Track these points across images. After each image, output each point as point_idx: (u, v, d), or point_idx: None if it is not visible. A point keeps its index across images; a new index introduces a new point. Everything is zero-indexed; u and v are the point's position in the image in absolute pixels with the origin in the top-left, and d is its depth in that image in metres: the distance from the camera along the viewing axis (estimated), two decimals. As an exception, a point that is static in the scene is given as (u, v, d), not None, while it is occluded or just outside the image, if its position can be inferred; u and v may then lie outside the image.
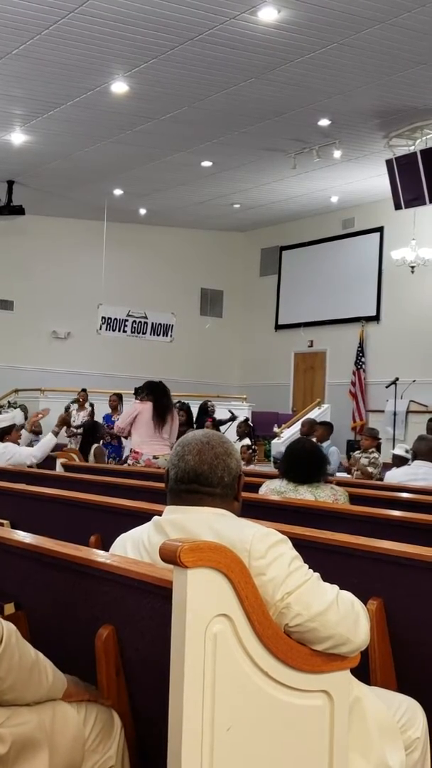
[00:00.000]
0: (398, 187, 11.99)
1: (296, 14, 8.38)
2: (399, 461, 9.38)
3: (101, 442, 12.21)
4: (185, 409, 11.98)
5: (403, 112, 11.10)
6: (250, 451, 10.64)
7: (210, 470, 2.14)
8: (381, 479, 9.07)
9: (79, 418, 12.50)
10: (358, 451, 9.87)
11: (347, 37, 8.86)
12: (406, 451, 9.50)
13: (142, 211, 16.61)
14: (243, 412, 14.92)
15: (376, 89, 10.30)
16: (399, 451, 9.56)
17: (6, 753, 1.76)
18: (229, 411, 12.96)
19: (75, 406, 12.90)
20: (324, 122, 11.45)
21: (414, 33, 8.75)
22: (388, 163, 12.04)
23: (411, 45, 9.04)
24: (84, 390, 13.14)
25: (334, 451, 10.32)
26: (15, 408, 13.61)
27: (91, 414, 12.67)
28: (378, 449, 10.07)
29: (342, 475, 9.15)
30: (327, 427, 11.09)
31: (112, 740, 2.00)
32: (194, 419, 11.88)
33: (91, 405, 13.04)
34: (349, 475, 9.24)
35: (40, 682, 1.88)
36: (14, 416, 7.16)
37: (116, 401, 12.51)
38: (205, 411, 12.31)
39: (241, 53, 9.27)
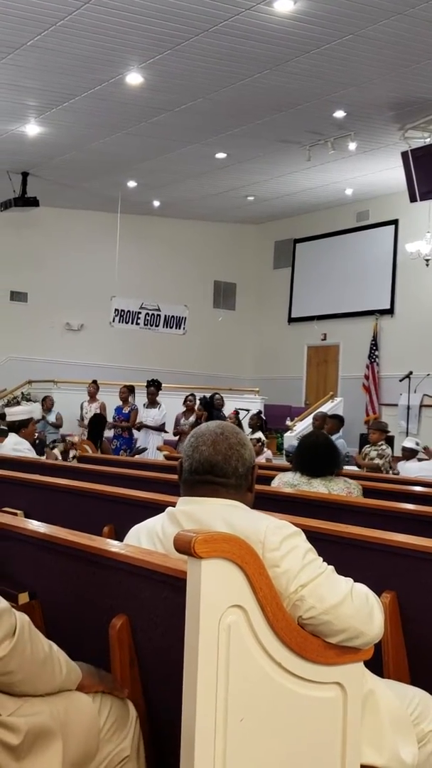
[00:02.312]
0: (413, 180, 11.93)
1: (312, 5, 8.34)
2: (409, 453, 9.39)
3: (113, 434, 12.25)
4: (204, 403, 12.01)
5: (419, 104, 11.04)
6: (260, 444, 10.65)
7: (224, 461, 2.14)
8: (394, 471, 9.07)
9: (90, 410, 12.53)
10: (367, 446, 9.86)
11: (363, 29, 8.81)
12: (417, 444, 9.51)
13: (156, 203, 16.60)
14: (256, 405, 14.92)
15: (391, 81, 10.24)
16: (409, 443, 9.55)
17: (20, 743, 1.77)
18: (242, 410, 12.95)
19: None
20: (339, 114, 11.40)
21: (431, 24, 8.69)
22: (404, 155, 11.98)
23: (427, 36, 8.98)
24: (95, 382, 13.17)
25: (341, 443, 10.29)
26: (29, 400, 13.69)
27: (103, 407, 12.70)
28: (388, 442, 10.04)
29: (352, 468, 9.12)
30: (337, 421, 11.08)
31: (127, 730, 2.00)
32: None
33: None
34: (359, 470, 9.23)
35: (52, 675, 1.87)
36: (32, 409, 7.08)
37: (126, 393, 12.52)
38: (211, 404, 12.28)
39: (256, 44, 9.24)
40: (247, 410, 12.86)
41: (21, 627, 1.81)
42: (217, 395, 12.71)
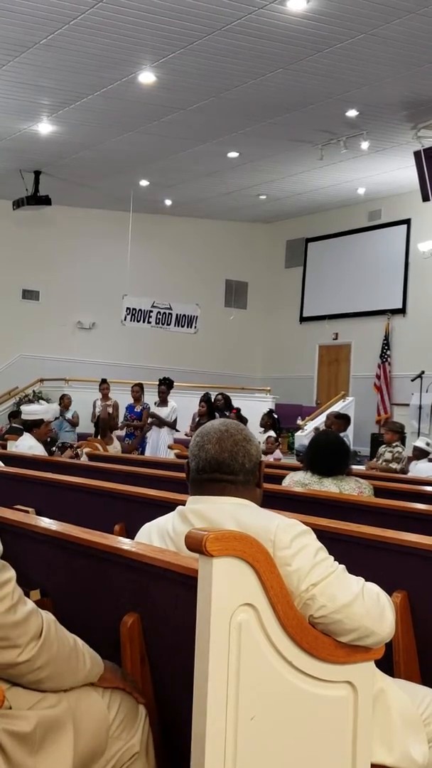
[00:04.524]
0: (426, 179, 11.91)
1: (325, 4, 8.32)
2: (420, 453, 9.36)
3: (124, 432, 12.27)
4: (206, 400, 12.00)
5: (432, 103, 11.01)
6: (278, 442, 10.64)
7: (231, 458, 2.14)
8: (405, 472, 9.04)
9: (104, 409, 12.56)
10: (382, 446, 9.83)
11: (376, 28, 8.79)
12: (428, 444, 9.47)
13: (168, 202, 16.61)
14: (267, 404, 14.90)
15: (404, 80, 10.21)
16: (420, 443, 9.52)
17: (32, 732, 1.78)
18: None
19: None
20: (352, 113, 11.38)
21: (444, 23, 8.66)
22: (416, 154, 11.95)
23: (441, 35, 8.95)
24: (104, 381, 13.19)
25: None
26: (42, 399, 13.74)
27: (116, 405, 12.72)
28: (403, 443, 10.00)
29: (359, 468, 9.09)
30: (344, 420, 11.04)
31: (136, 728, 2.01)
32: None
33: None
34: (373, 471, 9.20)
35: (77, 669, 1.90)
36: (47, 410, 7.03)
37: (138, 392, 12.53)
38: (212, 404, 12.27)
39: (269, 43, 9.23)
40: (238, 409, 12.80)
41: (47, 627, 1.83)
42: (218, 396, 12.70)
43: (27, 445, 6.53)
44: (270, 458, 10.10)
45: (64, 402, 13.71)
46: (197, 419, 12.25)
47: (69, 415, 13.70)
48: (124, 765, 1.98)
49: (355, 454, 10.37)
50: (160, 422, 12.09)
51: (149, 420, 12.16)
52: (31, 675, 1.82)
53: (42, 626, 1.82)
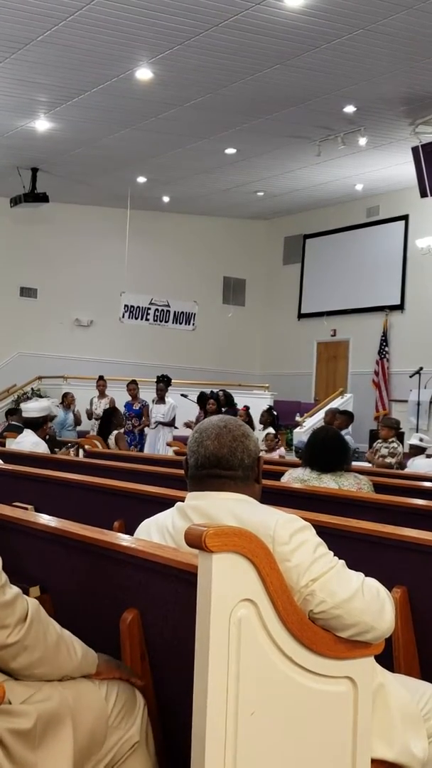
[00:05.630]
0: (424, 175, 11.90)
1: None
2: (415, 450, 9.36)
3: (123, 430, 12.25)
4: (215, 397, 12.02)
5: (430, 99, 10.99)
6: (277, 439, 10.64)
7: (230, 453, 2.14)
8: (403, 467, 9.05)
9: (100, 406, 12.54)
10: (378, 441, 9.83)
11: (374, 23, 8.78)
12: (421, 440, 9.48)
13: (166, 199, 16.59)
14: (265, 401, 14.92)
15: (402, 76, 10.20)
16: (415, 440, 9.52)
17: (32, 728, 1.79)
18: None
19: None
20: (349, 109, 11.37)
21: (441, 18, 8.65)
22: (414, 150, 11.94)
23: (438, 31, 8.94)
24: (101, 377, 13.17)
25: (348, 440, 10.21)
26: (41, 396, 13.71)
27: (112, 402, 12.71)
28: (399, 438, 10.00)
29: (361, 465, 9.09)
30: (347, 417, 11.05)
31: (135, 717, 2.01)
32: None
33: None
34: (370, 465, 9.20)
35: (69, 656, 1.91)
36: (49, 406, 6.96)
37: (135, 389, 12.51)
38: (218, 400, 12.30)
39: (266, 39, 9.22)
40: (247, 407, 12.83)
41: (33, 610, 1.86)
42: (219, 392, 12.70)
43: (31, 441, 6.50)
44: (275, 455, 10.10)
45: (68, 400, 13.66)
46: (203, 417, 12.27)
47: (71, 413, 13.67)
48: (125, 755, 1.98)
49: (353, 450, 10.34)
50: (162, 423, 12.11)
51: (153, 425, 12.17)
52: (23, 657, 1.83)
53: (27, 609, 1.85)
